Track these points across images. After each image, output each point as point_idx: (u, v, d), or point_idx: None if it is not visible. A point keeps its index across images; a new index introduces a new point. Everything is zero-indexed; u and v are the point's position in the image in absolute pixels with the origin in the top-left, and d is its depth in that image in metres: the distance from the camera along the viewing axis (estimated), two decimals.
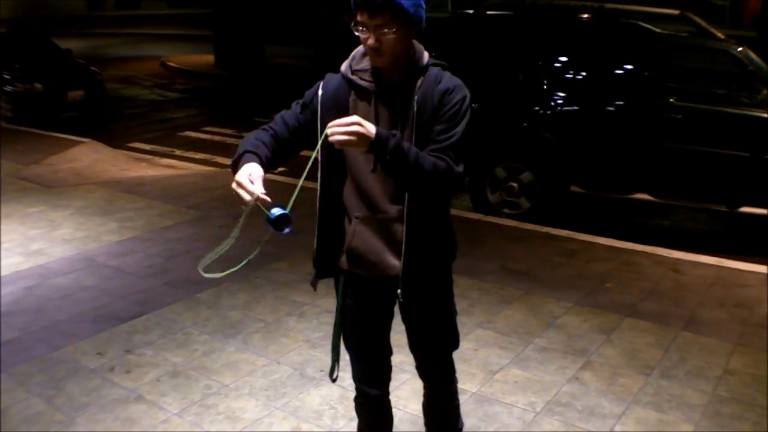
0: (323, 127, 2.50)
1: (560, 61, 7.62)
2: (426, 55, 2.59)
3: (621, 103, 7.30)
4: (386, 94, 2.54)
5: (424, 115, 2.49)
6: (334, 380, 2.98)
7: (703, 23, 7.78)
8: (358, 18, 2.42)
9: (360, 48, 2.59)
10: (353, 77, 2.57)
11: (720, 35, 7.52)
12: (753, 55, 7.05)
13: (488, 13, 8.19)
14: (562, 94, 7.45)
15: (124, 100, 15.54)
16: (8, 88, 12.59)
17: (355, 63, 2.60)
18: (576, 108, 7.43)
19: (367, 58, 2.54)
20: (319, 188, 2.67)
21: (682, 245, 6.70)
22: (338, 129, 2.26)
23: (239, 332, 4.90)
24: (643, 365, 4.53)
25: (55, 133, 11.27)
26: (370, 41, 2.41)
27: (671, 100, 7.02)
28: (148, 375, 4.36)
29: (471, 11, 8.23)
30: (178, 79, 18.88)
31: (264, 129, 2.63)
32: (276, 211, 2.35)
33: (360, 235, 2.67)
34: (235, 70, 18.99)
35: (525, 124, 7.56)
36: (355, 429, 3.23)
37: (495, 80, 7.66)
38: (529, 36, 7.77)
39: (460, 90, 2.54)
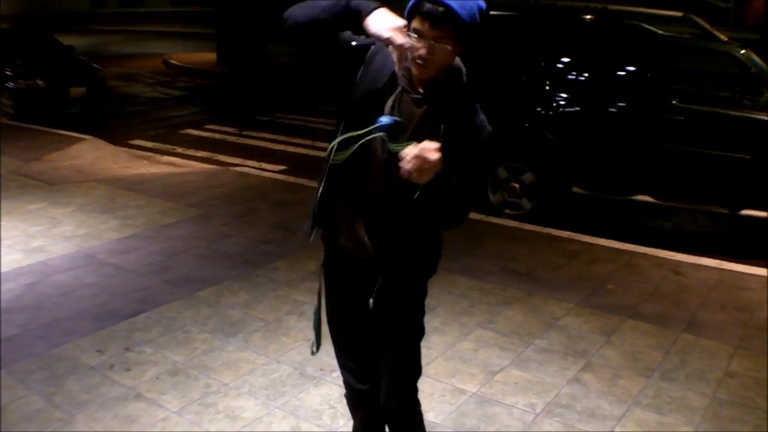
0: (361, 85, 2.49)
1: (563, 62, 7.61)
2: (464, 72, 2.55)
3: (623, 104, 7.30)
4: (414, 96, 2.49)
5: (452, 136, 2.43)
6: (313, 353, 2.97)
7: (706, 25, 7.77)
8: (415, 25, 2.35)
9: None
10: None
11: (723, 37, 7.51)
12: (756, 58, 7.04)
13: (491, 13, 8.17)
14: (564, 95, 7.45)
15: (126, 98, 15.54)
16: (10, 85, 12.59)
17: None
18: (578, 109, 7.43)
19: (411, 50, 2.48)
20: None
21: (684, 247, 6.69)
22: (415, 163, 2.24)
23: (239, 331, 4.90)
24: (644, 367, 4.52)
25: (56, 130, 11.28)
26: (423, 51, 2.35)
27: (674, 101, 7.01)
28: (148, 373, 4.35)
29: None
30: (180, 77, 18.88)
31: None
32: (386, 120, 2.40)
33: (353, 213, 2.62)
34: (238, 68, 18.99)
35: (527, 125, 7.55)
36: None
37: (497, 80, 7.65)
38: (531, 37, 7.76)
39: (486, 126, 2.55)
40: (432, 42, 2.34)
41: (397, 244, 2.58)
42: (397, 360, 2.81)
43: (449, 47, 2.37)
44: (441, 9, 2.31)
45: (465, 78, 2.56)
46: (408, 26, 2.38)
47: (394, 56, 2.44)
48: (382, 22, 2.32)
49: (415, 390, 2.91)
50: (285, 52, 21.47)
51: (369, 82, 2.51)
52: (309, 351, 4.55)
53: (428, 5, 2.32)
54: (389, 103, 2.49)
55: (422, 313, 2.85)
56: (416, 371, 2.89)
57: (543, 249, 6.54)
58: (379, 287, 2.62)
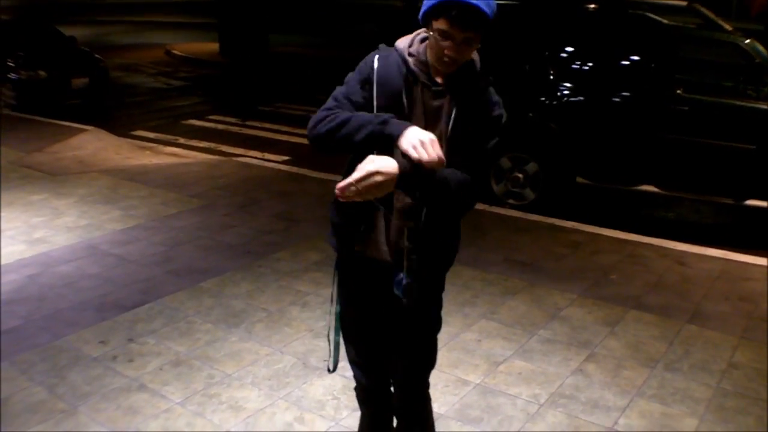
0: (379, 104, 2.47)
1: (567, 52, 7.58)
2: (479, 62, 2.54)
3: (627, 94, 7.27)
4: (434, 88, 2.49)
5: (463, 120, 2.46)
6: (331, 371, 2.94)
7: (711, 15, 7.74)
8: (443, 27, 2.32)
9: (420, 35, 2.53)
10: (410, 59, 2.50)
11: (728, 27, 7.48)
12: (760, 48, 7.00)
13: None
14: (568, 85, 7.42)
15: (128, 88, 15.51)
16: (12, 76, 12.56)
17: (413, 48, 2.51)
18: (582, 99, 7.40)
19: (425, 44, 2.48)
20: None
21: (688, 238, 6.67)
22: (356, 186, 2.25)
23: (242, 321, 4.89)
24: (648, 358, 4.51)
25: (58, 121, 11.26)
26: (452, 53, 2.34)
27: (678, 91, 6.98)
28: (151, 364, 4.35)
29: None
30: (182, 67, 18.84)
31: (336, 111, 2.49)
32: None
33: (375, 219, 2.61)
34: (240, 59, 18.96)
35: (531, 115, 7.53)
36: (358, 419, 3.22)
37: (501, 70, 7.62)
38: (535, 26, 7.72)
39: (500, 107, 2.53)
40: (461, 44, 2.34)
41: (417, 242, 2.56)
42: (413, 356, 2.82)
43: (476, 45, 2.38)
44: (472, 13, 2.28)
45: (479, 65, 2.54)
46: (429, 24, 2.37)
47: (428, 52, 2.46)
48: (410, 141, 2.26)
49: (428, 385, 2.92)
50: (287, 42, 21.45)
51: (386, 92, 2.49)
52: (312, 342, 4.59)
53: (458, 11, 2.28)
54: (404, 100, 2.48)
55: (440, 306, 2.85)
56: (431, 365, 2.89)
57: (546, 239, 6.53)
58: (404, 283, 2.61)
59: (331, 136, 2.41)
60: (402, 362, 2.82)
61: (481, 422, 3.83)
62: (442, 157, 2.25)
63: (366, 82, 2.52)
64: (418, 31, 2.54)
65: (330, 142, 2.43)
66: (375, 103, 2.49)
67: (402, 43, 2.55)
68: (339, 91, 2.55)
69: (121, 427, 3.76)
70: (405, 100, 2.48)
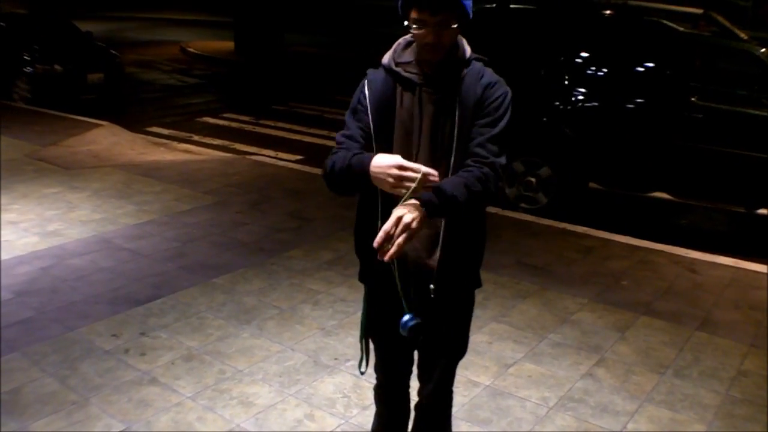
0: (375, 125, 2.51)
1: (582, 57, 7.58)
2: (468, 47, 2.57)
3: (641, 100, 7.26)
4: (430, 85, 2.52)
5: (466, 108, 2.48)
6: (362, 373, 2.90)
7: (727, 23, 7.73)
8: (416, 16, 2.38)
9: (401, 40, 2.59)
10: (398, 69, 2.55)
11: (743, 36, 7.47)
12: None
13: (511, 7, 8.15)
14: (582, 90, 7.42)
15: (143, 84, 15.58)
16: (27, 70, 12.63)
17: (397, 56, 2.58)
18: (596, 104, 7.40)
19: (409, 50, 2.55)
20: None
21: (699, 245, 6.66)
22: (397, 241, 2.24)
23: (254, 318, 4.92)
24: (657, 364, 4.51)
25: (73, 116, 11.32)
26: (430, 38, 2.38)
27: (692, 99, 6.97)
28: (163, 358, 4.38)
29: (494, 5, 8.20)
30: (197, 65, 18.90)
31: (341, 149, 2.54)
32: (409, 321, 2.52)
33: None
34: (255, 58, 19.01)
35: (545, 119, 7.53)
36: (368, 418, 3.24)
37: (516, 74, 7.62)
38: (551, 31, 7.73)
39: (502, 86, 2.54)
40: (437, 28, 2.37)
41: (449, 232, 2.58)
42: (444, 351, 2.83)
43: (454, 27, 2.40)
44: None
45: (467, 51, 2.56)
46: (406, 16, 2.42)
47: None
48: (379, 173, 2.32)
49: (453, 379, 2.95)
50: (302, 42, 21.49)
51: (380, 110, 2.54)
52: (322, 340, 4.61)
53: None
54: (398, 111, 2.53)
55: (473, 300, 2.87)
56: (460, 357, 2.90)
57: (558, 244, 6.53)
58: (438, 270, 2.61)
59: (332, 182, 2.50)
60: (433, 357, 2.84)
61: (491, 424, 3.85)
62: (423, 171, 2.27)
63: (357, 112, 2.58)
64: (398, 40, 2.60)
65: (335, 187, 2.52)
66: (372, 125, 2.53)
67: (386, 59, 2.60)
68: (342, 133, 2.59)
69: (131, 419, 3.78)
70: (399, 111, 2.53)
